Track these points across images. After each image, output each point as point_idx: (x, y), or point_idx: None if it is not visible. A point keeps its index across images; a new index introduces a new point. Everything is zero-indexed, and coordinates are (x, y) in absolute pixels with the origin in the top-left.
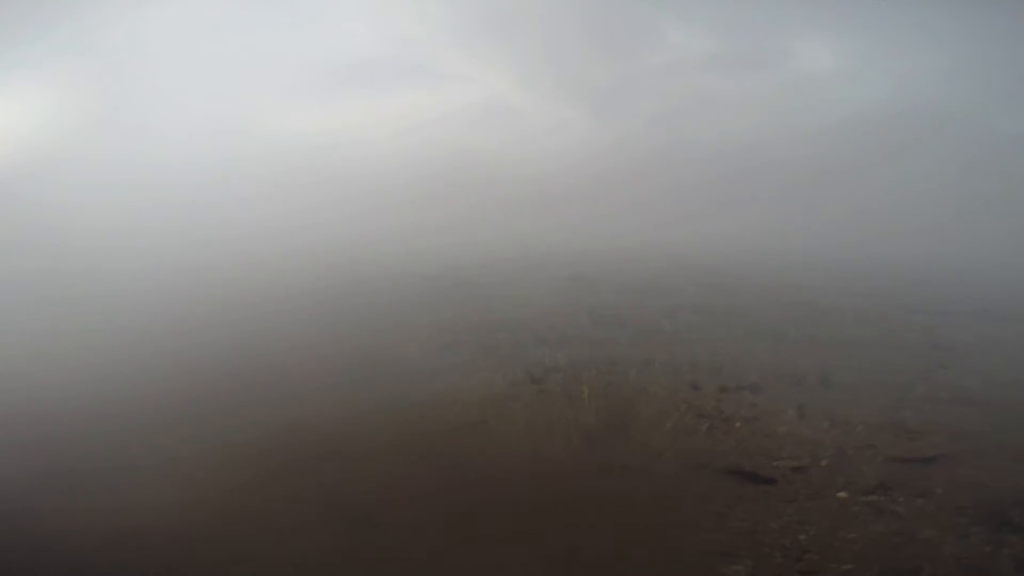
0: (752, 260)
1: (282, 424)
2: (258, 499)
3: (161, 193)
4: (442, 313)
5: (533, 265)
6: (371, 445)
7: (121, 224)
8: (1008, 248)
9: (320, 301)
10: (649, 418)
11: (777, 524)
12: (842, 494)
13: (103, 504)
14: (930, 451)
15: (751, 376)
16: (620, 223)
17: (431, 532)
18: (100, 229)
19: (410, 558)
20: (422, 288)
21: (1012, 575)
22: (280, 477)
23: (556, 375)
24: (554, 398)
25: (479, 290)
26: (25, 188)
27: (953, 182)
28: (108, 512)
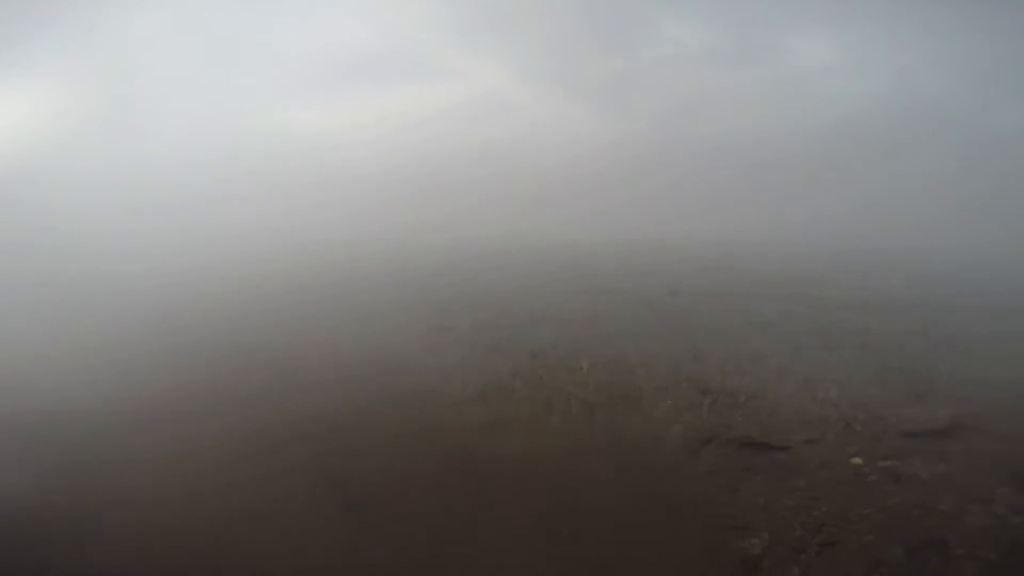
0: (754, 253)
1: (286, 420)
2: (262, 496)
3: (162, 193)
4: (444, 306)
5: (534, 260)
6: (378, 440)
7: (122, 225)
8: (1009, 243)
9: (322, 298)
10: (650, 393)
11: (791, 497)
12: (857, 460)
13: (105, 504)
14: (942, 422)
15: (754, 348)
16: (621, 218)
17: (440, 522)
18: (101, 231)
19: (417, 549)
20: (424, 283)
21: None
22: (285, 473)
23: (556, 352)
24: (554, 374)
25: (479, 285)
26: (24, 189)
27: (955, 177)
28: (109, 511)
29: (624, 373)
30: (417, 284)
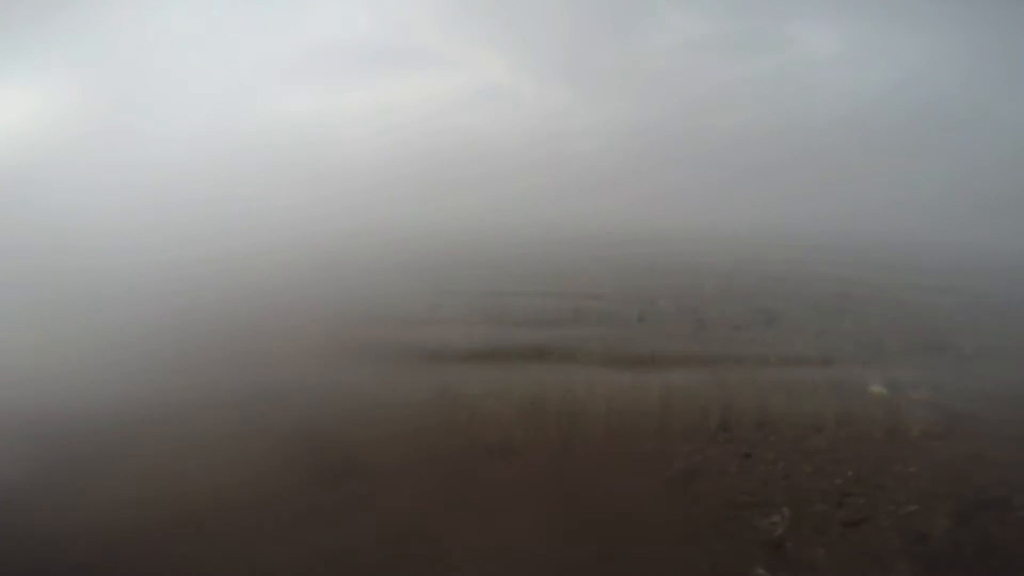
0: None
1: (287, 419)
2: (261, 497)
3: (162, 191)
4: (446, 299)
5: (537, 254)
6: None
7: (131, 221)
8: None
9: (324, 293)
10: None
11: (811, 465)
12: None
13: (104, 501)
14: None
15: (764, 303)
16: (619, 215)
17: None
18: (111, 229)
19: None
20: (426, 277)
21: None
22: (290, 479)
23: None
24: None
25: (479, 277)
26: (24, 189)
27: (967, 174)
28: (109, 509)
29: (625, 335)
30: (420, 278)
